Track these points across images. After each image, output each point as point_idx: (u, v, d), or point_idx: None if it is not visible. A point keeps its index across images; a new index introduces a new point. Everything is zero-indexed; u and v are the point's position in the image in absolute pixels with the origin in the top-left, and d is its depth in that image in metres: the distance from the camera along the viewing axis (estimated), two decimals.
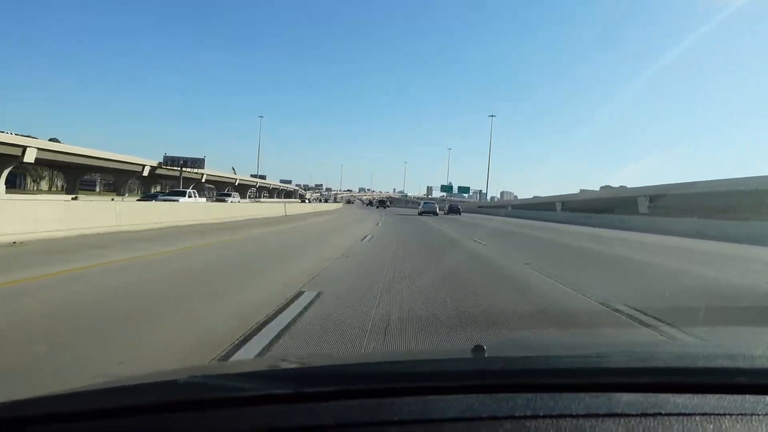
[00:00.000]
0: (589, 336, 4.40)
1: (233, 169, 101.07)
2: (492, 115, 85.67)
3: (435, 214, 43.43)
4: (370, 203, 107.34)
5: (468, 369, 1.08)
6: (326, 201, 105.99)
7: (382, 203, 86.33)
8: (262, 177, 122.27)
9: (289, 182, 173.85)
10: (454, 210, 54.43)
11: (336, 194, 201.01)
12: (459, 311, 4.84)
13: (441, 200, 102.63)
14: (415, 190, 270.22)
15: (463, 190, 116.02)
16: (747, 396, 0.91)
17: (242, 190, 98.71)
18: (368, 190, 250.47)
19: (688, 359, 1.24)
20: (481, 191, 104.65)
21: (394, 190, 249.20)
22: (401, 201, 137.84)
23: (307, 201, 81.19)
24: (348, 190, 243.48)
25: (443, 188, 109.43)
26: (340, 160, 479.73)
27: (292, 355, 3.25)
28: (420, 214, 43.67)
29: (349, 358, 2.35)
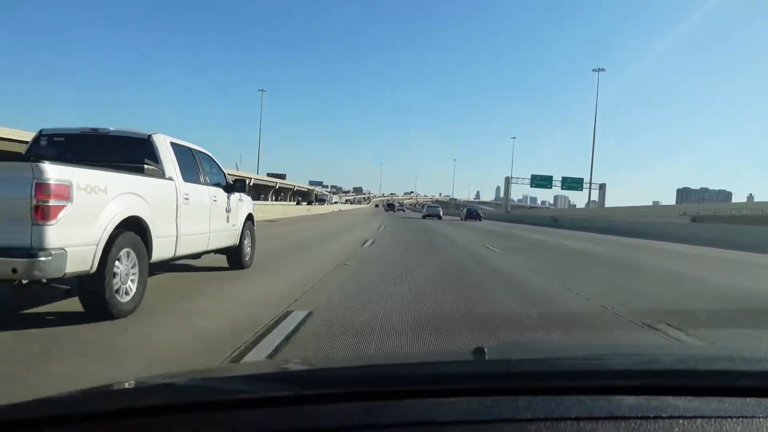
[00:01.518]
0: (590, 338, 4.43)
1: (236, 164, 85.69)
2: (599, 69, 59.14)
3: (439, 217, 45.18)
4: (383, 207, 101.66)
5: (468, 371, 1.09)
6: (328, 202, 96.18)
7: (391, 207, 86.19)
8: (281, 176, 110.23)
9: (320, 183, 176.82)
10: (473, 215, 48.09)
11: (369, 197, 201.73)
12: None
13: (520, 207, 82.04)
14: (465, 193, 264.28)
15: (571, 184, 59.52)
16: (748, 399, 0.92)
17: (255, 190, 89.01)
18: (412, 193, 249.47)
19: (689, 362, 1.26)
20: (604, 184, 62.76)
21: (440, 194, 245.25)
22: (450, 205, 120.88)
23: (314, 204, 69.09)
24: (392, 194, 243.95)
25: (535, 181, 59.80)
26: (386, 164, 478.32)
27: (293, 358, 3.33)
28: (423, 217, 46.12)
29: (350, 360, 2.42)
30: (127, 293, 4.27)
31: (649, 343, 4.02)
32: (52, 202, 3.43)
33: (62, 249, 3.51)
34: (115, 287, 4.08)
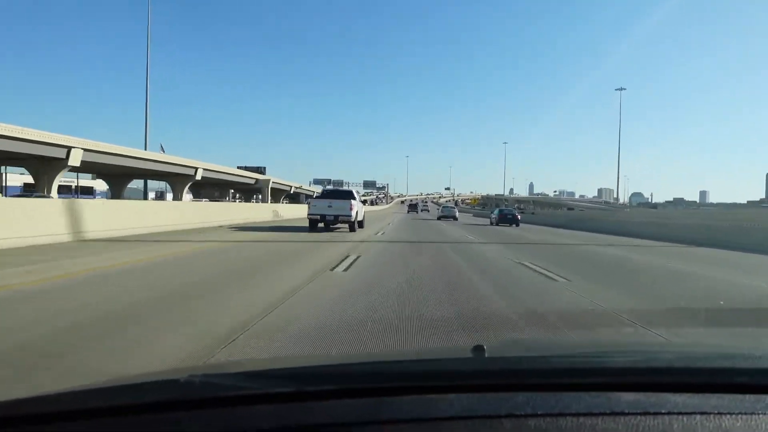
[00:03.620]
0: (589, 336, 4.53)
1: (161, 147, 62.03)
2: None
3: (455, 218, 41.40)
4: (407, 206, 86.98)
5: (468, 368, 1.10)
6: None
7: (414, 207, 78.56)
8: (260, 170, 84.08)
9: (328, 181, 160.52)
10: (507, 218, 32.84)
11: (386, 195, 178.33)
12: None
13: (626, 207, 61.63)
14: (505, 190, 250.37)
15: None
16: (746, 395, 0.94)
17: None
18: (449, 190, 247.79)
19: (688, 359, 1.27)
20: None
21: (472, 192, 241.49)
22: (501, 201, 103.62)
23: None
24: (420, 193, 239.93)
25: None
26: (421, 159, 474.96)
27: (292, 354, 3.46)
28: (438, 218, 42.34)
29: (349, 356, 2.46)
30: (357, 227, 19.59)
31: (649, 340, 4.08)
32: (351, 206, 18.91)
33: (353, 215, 18.91)
34: (357, 226, 19.60)
